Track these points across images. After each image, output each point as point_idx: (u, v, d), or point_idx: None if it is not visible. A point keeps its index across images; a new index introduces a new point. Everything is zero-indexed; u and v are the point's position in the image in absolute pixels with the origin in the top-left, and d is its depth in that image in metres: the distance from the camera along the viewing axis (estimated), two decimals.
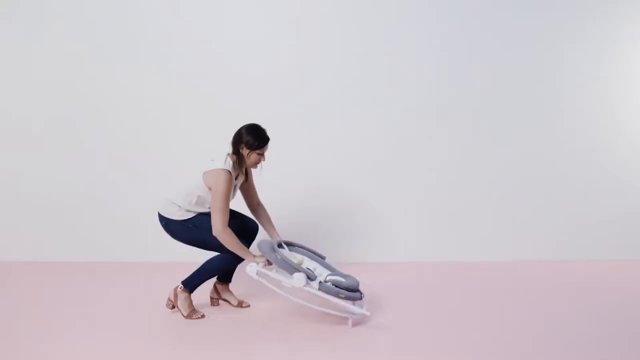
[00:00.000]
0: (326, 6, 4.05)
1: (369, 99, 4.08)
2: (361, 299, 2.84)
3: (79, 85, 4.08)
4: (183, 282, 2.93)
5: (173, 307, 2.95)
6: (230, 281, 3.13)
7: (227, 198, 2.79)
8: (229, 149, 2.90)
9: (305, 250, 3.07)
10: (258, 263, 2.82)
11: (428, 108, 4.10)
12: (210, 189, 2.81)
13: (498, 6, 4.06)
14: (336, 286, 2.77)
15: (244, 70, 4.00)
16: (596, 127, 4.13)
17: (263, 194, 3.17)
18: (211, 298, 3.13)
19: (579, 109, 4.12)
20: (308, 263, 3.00)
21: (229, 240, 2.79)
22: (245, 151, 2.87)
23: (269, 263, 2.84)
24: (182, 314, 2.90)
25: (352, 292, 2.79)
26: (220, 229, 2.77)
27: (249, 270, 2.80)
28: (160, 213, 2.94)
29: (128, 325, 2.78)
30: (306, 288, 2.74)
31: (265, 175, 3.08)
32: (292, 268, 2.76)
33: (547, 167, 4.14)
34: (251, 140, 2.85)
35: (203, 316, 2.91)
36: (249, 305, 3.09)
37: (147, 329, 2.76)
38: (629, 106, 4.13)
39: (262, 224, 3.14)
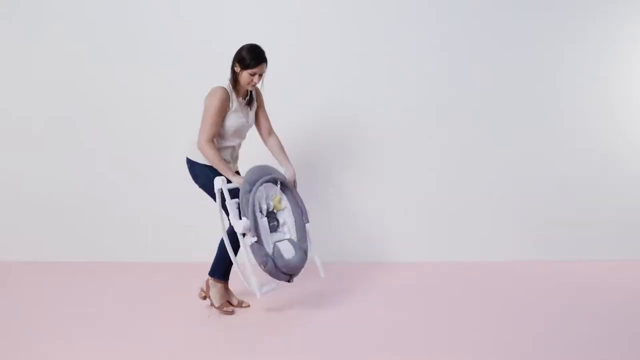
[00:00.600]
0: (326, 6, 4.05)
1: (369, 99, 4.08)
2: (289, 281, 2.73)
3: (79, 85, 4.08)
4: (209, 272, 2.94)
5: (205, 297, 2.98)
6: (227, 279, 3.10)
7: (216, 113, 2.77)
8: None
9: (296, 202, 2.94)
10: (227, 183, 2.74)
11: (428, 108, 4.09)
12: None
13: (498, 6, 4.05)
14: (273, 255, 2.65)
15: None
16: (596, 127, 4.12)
17: None
18: None
19: (579, 109, 4.11)
20: (286, 215, 2.87)
21: (210, 154, 2.76)
22: (237, 68, 2.85)
23: None
24: (213, 304, 2.91)
25: (281, 272, 2.66)
26: (203, 142, 2.76)
27: (215, 182, 2.73)
28: (187, 157, 2.93)
29: (128, 326, 2.79)
30: (240, 236, 2.68)
31: None
32: (246, 212, 2.65)
33: (547, 167, 4.13)
34: (245, 57, 2.83)
35: (233, 312, 2.92)
36: (248, 305, 3.08)
37: (147, 329, 2.76)
38: (629, 106, 4.12)
39: (273, 154, 3.10)
